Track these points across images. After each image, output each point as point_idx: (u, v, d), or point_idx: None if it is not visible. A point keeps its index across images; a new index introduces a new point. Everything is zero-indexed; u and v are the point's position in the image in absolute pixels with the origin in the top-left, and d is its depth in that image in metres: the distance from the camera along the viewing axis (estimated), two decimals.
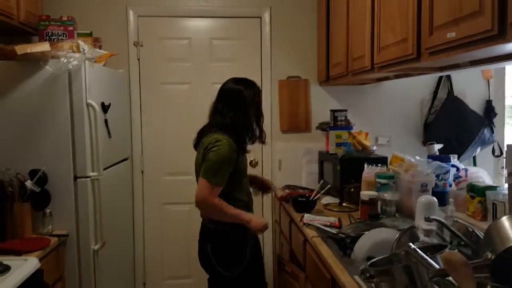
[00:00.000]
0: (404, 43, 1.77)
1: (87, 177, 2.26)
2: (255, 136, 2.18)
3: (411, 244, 1.27)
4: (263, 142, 2.22)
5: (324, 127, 3.12)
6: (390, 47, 1.92)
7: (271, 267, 3.31)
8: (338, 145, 2.89)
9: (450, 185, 2.23)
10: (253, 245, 2.16)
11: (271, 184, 2.48)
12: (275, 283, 3.25)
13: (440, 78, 3.25)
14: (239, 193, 2.12)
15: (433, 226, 1.61)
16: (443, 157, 2.36)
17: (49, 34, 2.51)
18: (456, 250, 1.50)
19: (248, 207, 2.18)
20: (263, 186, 2.45)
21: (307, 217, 2.23)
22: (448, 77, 3.23)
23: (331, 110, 3.06)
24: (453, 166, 2.32)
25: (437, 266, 1.18)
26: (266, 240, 3.31)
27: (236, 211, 2.03)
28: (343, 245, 1.80)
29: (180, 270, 3.31)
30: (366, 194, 2.15)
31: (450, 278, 1.12)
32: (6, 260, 1.78)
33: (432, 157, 2.39)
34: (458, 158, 2.66)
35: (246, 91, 2.11)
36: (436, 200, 1.73)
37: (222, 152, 1.97)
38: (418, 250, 1.23)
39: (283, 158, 3.30)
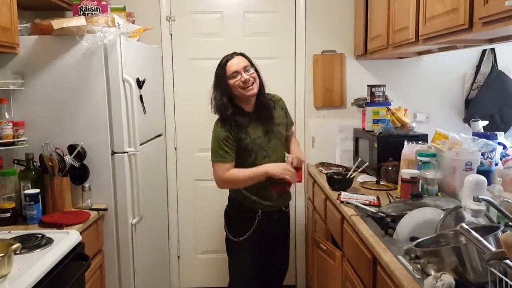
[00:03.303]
0: (455, 12, 1.67)
1: (124, 152, 2.27)
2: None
3: (464, 224, 1.21)
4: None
5: (360, 103, 3.03)
6: (438, 17, 1.81)
7: (303, 244, 3.31)
8: (375, 121, 2.80)
9: (497, 164, 2.13)
10: (263, 222, 2.20)
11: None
12: (307, 260, 3.24)
13: (484, 51, 3.09)
14: (249, 166, 2.17)
15: (482, 206, 1.54)
16: (489, 134, 2.24)
17: (83, 9, 2.48)
18: (508, 232, 1.43)
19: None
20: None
21: (344, 195, 2.18)
22: (493, 50, 3.05)
23: (368, 86, 2.96)
24: (499, 144, 2.21)
25: (492, 248, 1.12)
26: (298, 217, 3.29)
27: (250, 170, 2.13)
28: (384, 224, 1.75)
29: (213, 244, 3.34)
30: (407, 172, 2.07)
31: (508, 262, 1.06)
32: (49, 233, 1.82)
33: (477, 134, 2.28)
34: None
35: (217, 68, 2.17)
36: (485, 179, 1.65)
37: (214, 133, 2.16)
38: (471, 231, 1.17)
39: (316, 135, 3.23)
